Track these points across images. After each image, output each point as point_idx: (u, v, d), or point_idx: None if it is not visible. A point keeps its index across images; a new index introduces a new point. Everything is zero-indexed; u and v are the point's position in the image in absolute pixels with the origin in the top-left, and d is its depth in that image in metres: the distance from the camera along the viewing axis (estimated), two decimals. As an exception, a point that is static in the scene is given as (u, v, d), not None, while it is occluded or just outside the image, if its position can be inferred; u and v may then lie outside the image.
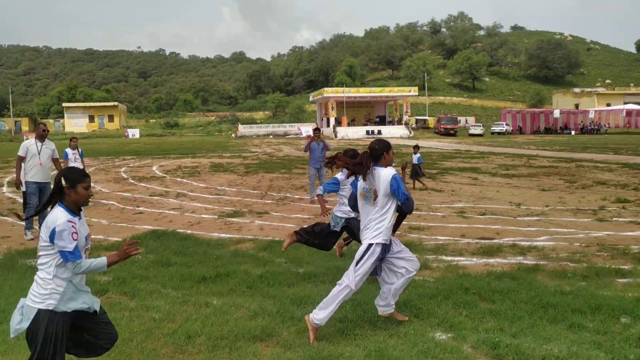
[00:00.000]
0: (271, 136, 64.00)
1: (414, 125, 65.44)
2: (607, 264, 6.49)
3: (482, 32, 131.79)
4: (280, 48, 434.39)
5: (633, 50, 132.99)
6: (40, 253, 3.29)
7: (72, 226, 3.21)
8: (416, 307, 5.04)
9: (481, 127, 59.90)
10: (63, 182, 3.31)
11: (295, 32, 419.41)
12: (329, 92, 63.92)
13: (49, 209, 3.38)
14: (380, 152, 4.54)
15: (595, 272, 6.13)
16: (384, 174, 4.42)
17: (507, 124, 62.44)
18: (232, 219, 10.19)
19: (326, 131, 61.72)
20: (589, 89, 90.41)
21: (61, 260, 3.21)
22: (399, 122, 64.64)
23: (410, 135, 57.85)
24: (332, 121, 62.32)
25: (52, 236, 3.18)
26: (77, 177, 3.37)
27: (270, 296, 5.50)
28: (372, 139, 4.84)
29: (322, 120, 67.95)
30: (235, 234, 8.86)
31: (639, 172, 17.98)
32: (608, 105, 77.74)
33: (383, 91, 67.29)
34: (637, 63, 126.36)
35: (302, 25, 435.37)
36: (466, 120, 72.27)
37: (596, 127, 66.51)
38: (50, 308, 3.21)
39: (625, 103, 76.35)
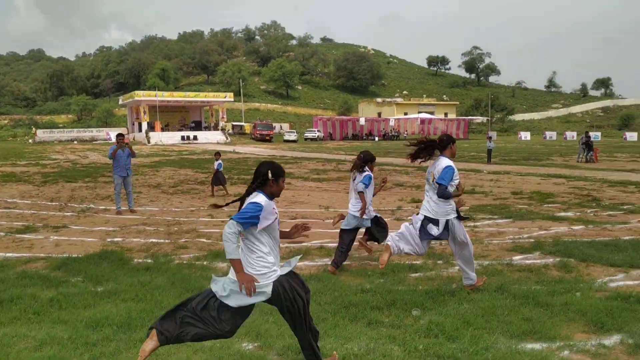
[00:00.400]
0: (76, 142, 59.12)
1: (230, 131, 65.45)
2: (402, 261, 7.03)
3: (294, 42, 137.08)
4: (86, 47, 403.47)
5: (425, 65, 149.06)
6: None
7: (273, 208, 3.67)
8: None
9: (295, 134, 62.04)
10: (269, 174, 3.67)
11: (103, 31, 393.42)
12: (141, 95, 61.08)
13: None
14: (447, 142, 5.62)
15: (392, 268, 6.60)
16: (443, 163, 5.49)
17: (318, 131, 65.56)
18: (23, 236, 9.06)
19: (138, 136, 58.81)
20: (390, 99, 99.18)
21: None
22: (215, 128, 64.20)
23: (227, 141, 57.75)
24: (145, 126, 59.59)
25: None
26: (282, 172, 3.79)
27: (62, 321, 4.93)
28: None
29: (134, 124, 64.70)
30: (24, 252, 7.87)
31: (430, 174, 20.06)
32: (405, 114, 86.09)
33: (198, 96, 66.27)
34: (428, 77, 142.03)
35: (110, 25, 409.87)
36: (281, 127, 74.35)
37: (396, 133, 73.14)
38: None
39: (419, 112, 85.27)
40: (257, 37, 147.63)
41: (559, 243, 8.04)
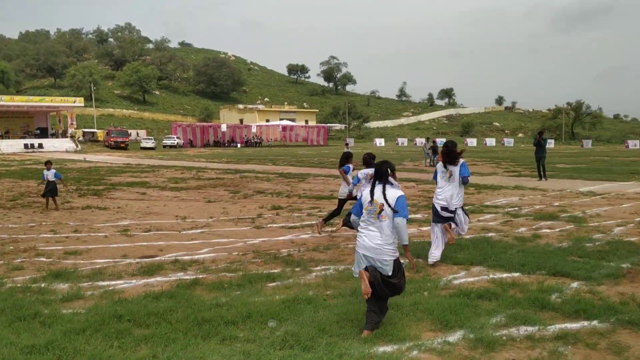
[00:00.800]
0: None
1: (81, 138, 61.03)
2: (260, 270, 6.91)
3: (151, 46, 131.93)
4: None
5: (286, 72, 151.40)
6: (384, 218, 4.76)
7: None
8: (60, 347, 4.41)
9: (153, 141, 59.54)
10: (389, 171, 4.97)
11: None
12: (-26, 99, 54.75)
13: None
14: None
15: (249, 279, 6.44)
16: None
17: (178, 137, 63.57)
18: None
19: (-29, 145, 52.76)
20: (251, 106, 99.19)
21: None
22: (64, 135, 59.56)
23: (78, 149, 53.82)
24: (-20, 133, 53.55)
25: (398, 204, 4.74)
26: (394, 166, 5.09)
27: None
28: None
29: (-34, 131, 57.78)
30: None
31: (291, 181, 20.27)
32: (267, 120, 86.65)
33: (43, 100, 60.94)
34: (288, 84, 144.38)
35: None
36: (137, 134, 70.98)
37: (258, 140, 73.29)
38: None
39: (281, 119, 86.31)
40: (110, 39, 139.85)
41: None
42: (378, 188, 4.88)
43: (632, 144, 72.53)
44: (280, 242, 8.95)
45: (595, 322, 5.01)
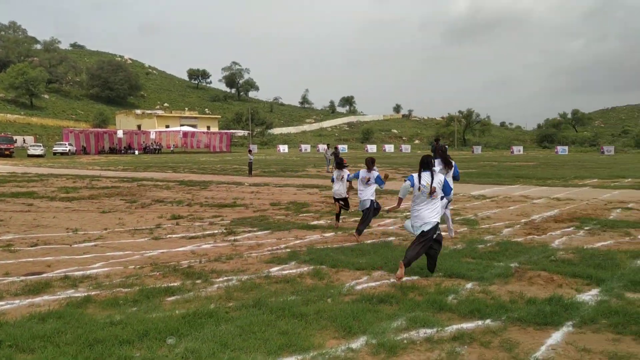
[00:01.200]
0: None
1: (-43, 145, 55.77)
2: (158, 284, 6.59)
3: (39, 46, 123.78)
4: None
5: (186, 77, 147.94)
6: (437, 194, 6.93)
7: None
8: None
9: (42, 148, 55.65)
10: (433, 160, 7.31)
11: None
12: None
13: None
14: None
15: (147, 294, 6.13)
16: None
17: (70, 144, 59.97)
18: None
19: None
20: (150, 111, 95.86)
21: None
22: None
23: (-47, 156, 49.16)
24: None
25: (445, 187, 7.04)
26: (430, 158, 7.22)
27: None
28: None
29: None
30: None
31: (192, 189, 19.73)
32: (167, 126, 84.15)
33: None
34: (189, 89, 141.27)
35: None
36: (24, 140, 66.19)
37: (158, 146, 70.91)
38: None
39: (181, 125, 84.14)
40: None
41: (312, 251, 8.47)
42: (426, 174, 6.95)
43: (517, 149, 78.07)
44: (180, 253, 8.63)
45: (488, 321, 5.26)
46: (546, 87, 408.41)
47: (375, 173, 9.96)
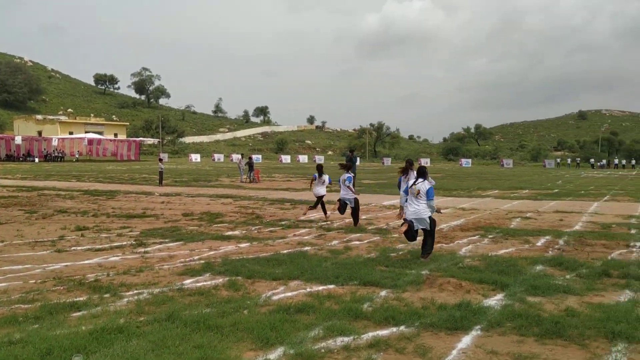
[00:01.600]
0: None
1: None
2: (62, 299, 6.20)
3: None
4: None
5: (92, 82, 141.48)
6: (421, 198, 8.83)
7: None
8: None
9: None
10: (426, 170, 9.24)
11: None
12: None
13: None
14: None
15: (49, 310, 5.74)
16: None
17: (-40, 150, 55.41)
18: None
19: None
20: (52, 117, 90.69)
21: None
22: None
23: None
24: None
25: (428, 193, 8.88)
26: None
27: None
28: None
29: None
30: None
31: (98, 198, 18.83)
32: (71, 133, 79.95)
33: None
34: (96, 95, 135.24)
35: None
36: None
37: (60, 154, 67.17)
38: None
39: (86, 132, 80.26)
40: None
41: (227, 262, 8.32)
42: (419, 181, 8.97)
43: (424, 161, 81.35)
44: (86, 266, 8.17)
45: (402, 327, 5.39)
46: (452, 103, 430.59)
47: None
